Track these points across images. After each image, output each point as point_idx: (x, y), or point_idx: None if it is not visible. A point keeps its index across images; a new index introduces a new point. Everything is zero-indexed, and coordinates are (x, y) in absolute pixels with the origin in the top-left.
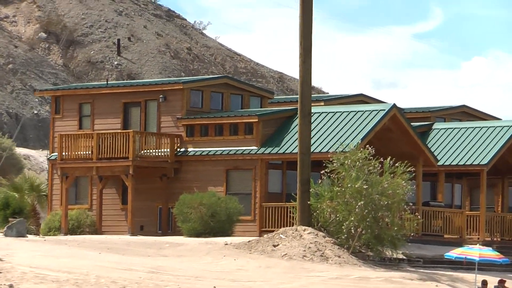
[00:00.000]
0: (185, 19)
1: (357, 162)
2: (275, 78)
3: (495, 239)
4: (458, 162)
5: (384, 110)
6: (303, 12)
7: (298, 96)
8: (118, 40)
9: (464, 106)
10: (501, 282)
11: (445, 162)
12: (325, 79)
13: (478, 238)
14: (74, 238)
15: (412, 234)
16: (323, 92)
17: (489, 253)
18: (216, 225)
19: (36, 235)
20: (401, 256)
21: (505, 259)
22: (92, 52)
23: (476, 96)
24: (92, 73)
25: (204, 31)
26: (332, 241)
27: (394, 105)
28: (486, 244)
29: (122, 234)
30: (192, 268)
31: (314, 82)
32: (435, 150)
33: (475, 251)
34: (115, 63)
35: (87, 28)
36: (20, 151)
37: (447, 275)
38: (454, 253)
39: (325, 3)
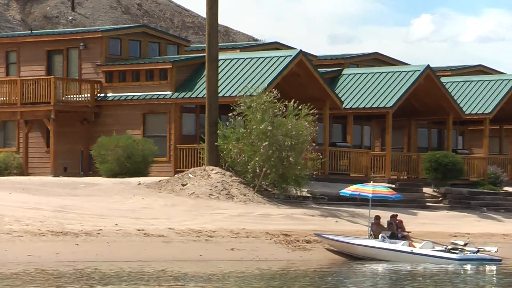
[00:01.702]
0: None
1: (263, 105)
2: (221, 32)
3: (401, 177)
4: (366, 105)
5: (291, 56)
6: None
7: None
8: None
9: (376, 53)
10: (393, 216)
11: (353, 105)
12: (284, 34)
13: (384, 176)
14: None
15: (315, 172)
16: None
17: (382, 190)
18: (132, 166)
19: None
20: (306, 194)
21: (397, 195)
22: (48, 8)
23: (424, 51)
24: (47, 27)
25: None
26: (238, 180)
27: (300, 51)
28: (391, 181)
29: (46, 176)
30: (99, 207)
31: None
32: (344, 94)
33: (368, 188)
34: (70, 18)
35: None
36: None
37: (348, 211)
38: (349, 190)
39: None
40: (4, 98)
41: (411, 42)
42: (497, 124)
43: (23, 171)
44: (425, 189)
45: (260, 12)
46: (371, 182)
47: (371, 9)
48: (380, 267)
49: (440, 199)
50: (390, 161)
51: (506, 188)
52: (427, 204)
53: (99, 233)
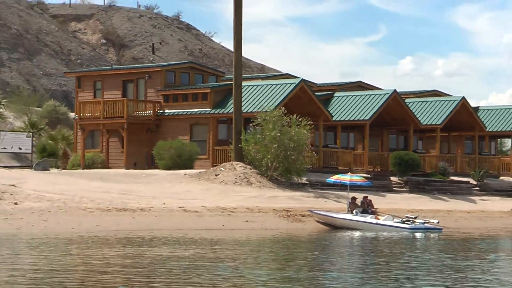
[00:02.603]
0: (199, 30)
1: (273, 118)
2: (258, 68)
3: (376, 169)
4: (350, 118)
5: (295, 83)
6: (236, 13)
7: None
8: (153, 44)
9: (359, 81)
10: (365, 197)
11: (341, 118)
12: (307, 71)
13: (363, 169)
14: (82, 171)
15: (311, 166)
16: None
17: (357, 178)
18: (182, 162)
19: (60, 170)
20: (305, 182)
21: (368, 182)
22: (135, 52)
23: (407, 83)
24: None
25: (211, 38)
26: (256, 172)
27: (302, 79)
28: (368, 172)
29: (120, 169)
30: (154, 191)
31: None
32: (335, 110)
33: (346, 177)
34: (151, 59)
35: (132, 36)
36: None
37: (335, 194)
38: (332, 178)
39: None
40: (92, 114)
41: (398, 76)
42: (447, 132)
43: (105, 165)
44: (392, 178)
45: (290, 56)
46: (349, 173)
47: (369, 53)
48: (353, 234)
49: (403, 185)
50: (367, 158)
51: (452, 177)
52: (393, 188)
53: (150, 209)
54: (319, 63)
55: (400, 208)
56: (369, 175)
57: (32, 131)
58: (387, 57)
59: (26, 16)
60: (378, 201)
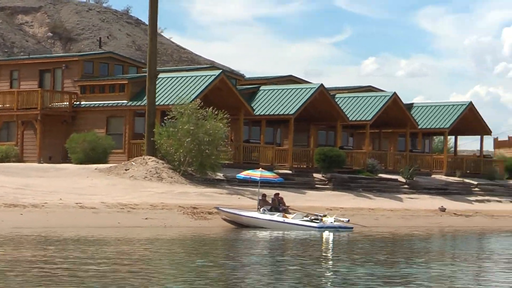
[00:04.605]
0: (147, 25)
1: (188, 111)
2: (208, 64)
3: (301, 166)
4: (275, 112)
5: (215, 75)
6: (151, 4)
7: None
8: (100, 38)
9: (290, 75)
10: (276, 194)
11: (266, 112)
12: (271, 71)
13: (286, 165)
14: None
15: (227, 162)
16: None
17: (268, 174)
18: (95, 156)
19: None
20: (222, 178)
21: (279, 178)
22: (82, 46)
23: (370, 83)
24: None
25: (161, 33)
26: (168, 167)
27: (222, 71)
28: (291, 169)
29: (35, 163)
30: (55, 186)
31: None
32: (260, 105)
33: (257, 173)
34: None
35: (80, 29)
36: None
37: (251, 190)
38: (242, 174)
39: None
40: (5, 105)
41: (361, 76)
42: (378, 128)
43: (19, 159)
44: (316, 175)
45: (257, 56)
46: (260, 168)
47: (334, 53)
48: (256, 233)
49: (326, 182)
50: (291, 154)
51: (381, 175)
52: (316, 186)
53: (43, 206)
54: (285, 62)
55: (318, 206)
56: (291, 172)
57: None
58: (351, 57)
59: None
60: (297, 198)
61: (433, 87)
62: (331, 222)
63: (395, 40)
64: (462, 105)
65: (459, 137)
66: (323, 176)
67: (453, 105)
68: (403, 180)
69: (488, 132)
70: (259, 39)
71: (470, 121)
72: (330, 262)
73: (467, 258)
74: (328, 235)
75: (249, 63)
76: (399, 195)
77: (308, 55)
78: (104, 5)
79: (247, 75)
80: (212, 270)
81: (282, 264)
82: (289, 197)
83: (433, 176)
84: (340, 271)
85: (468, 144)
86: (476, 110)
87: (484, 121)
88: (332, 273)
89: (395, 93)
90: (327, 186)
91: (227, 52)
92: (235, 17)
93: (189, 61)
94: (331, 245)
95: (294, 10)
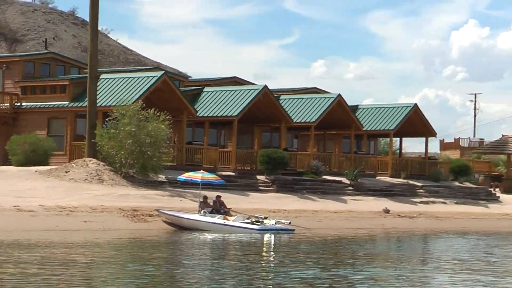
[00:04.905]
0: None
1: (130, 112)
2: (154, 66)
3: (245, 168)
4: (218, 114)
5: (157, 76)
6: (92, 4)
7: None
8: (46, 39)
9: (235, 77)
10: (218, 197)
11: (209, 114)
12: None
13: (230, 167)
14: None
15: (169, 163)
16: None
17: (209, 176)
18: (36, 158)
19: None
20: (164, 180)
21: (221, 180)
22: (27, 47)
23: (319, 85)
24: None
25: (108, 34)
26: (110, 169)
27: (165, 72)
28: (235, 171)
29: None
30: None
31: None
32: (203, 106)
33: (198, 175)
34: None
35: (25, 30)
36: None
37: (193, 192)
38: (183, 176)
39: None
40: None
41: (310, 79)
42: (323, 130)
43: None
44: (260, 177)
45: (208, 58)
46: (201, 170)
47: (283, 55)
48: (196, 236)
49: (270, 184)
50: (235, 156)
51: (325, 177)
52: (259, 188)
53: None
54: (234, 65)
55: (261, 208)
56: (234, 174)
57: None
58: (300, 60)
59: None
60: (241, 200)
61: (382, 89)
62: (272, 225)
63: (344, 43)
64: (407, 107)
65: (406, 139)
66: (266, 178)
67: (398, 107)
68: (348, 182)
69: (433, 134)
70: (208, 41)
71: (415, 123)
72: (269, 265)
73: (406, 260)
74: (269, 238)
75: (198, 66)
76: (343, 197)
77: (257, 57)
78: (50, 6)
79: (196, 78)
80: (145, 273)
81: (221, 267)
82: (232, 199)
83: (378, 177)
84: (277, 274)
85: (415, 146)
86: (421, 112)
87: (429, 123)
88: (270, 275)
89: (339, 94)
90: (271, 188)
91: (176, 54)
92: (184, 20)
93: (136, 62)
94: (271, 247)
95: (243, 12)
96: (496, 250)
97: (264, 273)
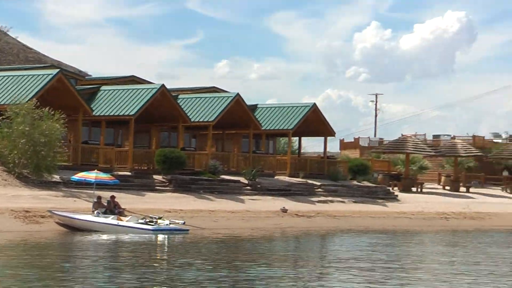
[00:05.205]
0: None
1: (23, 111)
2: (55, 65)
3: (142, 167)
4: (115, 113)
5: (52, 74)
6: None
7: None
8: None
9: (133, 75)
10: (112, 197)
11: (106, 113)
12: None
13: (127, 167)
14: None
15: (65, 163)
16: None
17: (103, 176)
18: None
19: None
20: (59, 180)
21: (115, 180)
22: None
23: (223, 85)
24: None
25: (7, 32)
26: (2, 169)
27: (60, 70)
28: (132, 171)
29: None
30: None
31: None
32: (100, 105)
33: (92, 175)
34: None
35: None
36: None
37: (88, 193)
38: (77, 176)
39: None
40: None
41: (215, 79)
42: (222, 129)
43: None
44: (156, 176)
45: (110, 58)
46: (95, 170)
47: (187, 56)
48: (88, 237)
49: (167, 184)
50: (132, 155)
51: (223, 176)
52: (156, 187)
53: None
54: (137, 64)
55: (159, 208)
56: (130, 173)
57: None
58: (204, 60)
59: None
60: (137, 200)
61: (286, 90)
62: (167, 225)
63: (248, 43)
64: (306, 106)
65: (308, 139)
66: (163, 178)
67: (297, 106)
68: (246, 181)
69: (332, 133)
70: (111, 41)
71: (314, 122)
72: (159, 265)
73: (295, 259)
74: (163, 238)
75: (100, 65)
76: (241, 197)
77: (161, 57)
78: None
79: (93, 76)
80: (20, 277)
81: (110, 269)
82: (128, 199)
83: (276, 177)
84: (167, 275)
85: (316, 146)
86: (320, 111)
87: (328, 123)
88: (158, 277)
89: (238, 94)
90: (168, 188)
91: (78, 53)
92: (87, 19)
93: (36, 61)
94: (164, 248)
95: (146, 12)
96: (389, 249)
97: (153, 274)
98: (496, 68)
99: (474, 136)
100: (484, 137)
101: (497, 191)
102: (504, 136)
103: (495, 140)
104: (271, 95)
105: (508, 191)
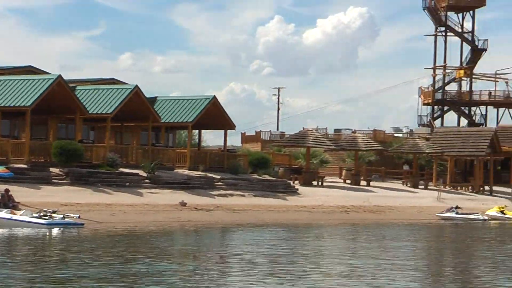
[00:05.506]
0: None
1: None
2: None
3: (39, 160)
4: (11, 104)
5: None
6: None
7: None
8: None
9: (30, 66)
10: (6, 190)
11: (1, 104)
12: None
13: (23, 159)
14: None
15: None
16: None
17: None
18: None
19: None
20: None
21: (10, 173)
22: None
23: (127, 78)
24: None
25: None
26: None
27: None
28: (28, 163)
29: None
30: None
31: None
32: None
33: None
34: None
35: None
36: None
37: None
38: None
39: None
40: None
41: (118, 71)
42: (120, 122)
43: None
44: (54, 169)
45: (12, 48)
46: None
47: (90, 47)
48: None
49: (64, 177)
50: (28, 147)
51: (122, 169)
52: (53, 180)
53: None
54: (39, 56)
55: (53, 201)
56: (26, 166)
57: None
58: (108, 52)
59: None
60: (32, 194)
61: (190, 83)
62: (61, 219)
63: (151, 36)
64: (206, 99)
65: (209, 132)
66: (60, 171)
67: (197, 99)
68: (145, 174)
69: (232, 126)
70: (11, 31)
71: (214, 115)
72: (51, 260)
73: (189, 253)
74: (57, 232)
75: (2, 56)
76: (139, 190)
77: (64, 49)
78: None
79: None
80: None
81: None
82: (23, 192)
83: (176, 170)
84: (59, 270)
85: (218, 139)
86: (220, 104)
87: (228, 116)
88: (50, 272)
89: (137, 86)
90: (65, 181)
91: None
92: None
93: None
94: (57, 242)
95: (47, 2)
96: (285, 243)
97: (45, 269)
98: (398, 63)
99: (375, 130)
100: (385, 131)
101: (398, 185)
102: (404, 130)
103: (395, 135)
104: (175, 88)
105: (409, 185)
